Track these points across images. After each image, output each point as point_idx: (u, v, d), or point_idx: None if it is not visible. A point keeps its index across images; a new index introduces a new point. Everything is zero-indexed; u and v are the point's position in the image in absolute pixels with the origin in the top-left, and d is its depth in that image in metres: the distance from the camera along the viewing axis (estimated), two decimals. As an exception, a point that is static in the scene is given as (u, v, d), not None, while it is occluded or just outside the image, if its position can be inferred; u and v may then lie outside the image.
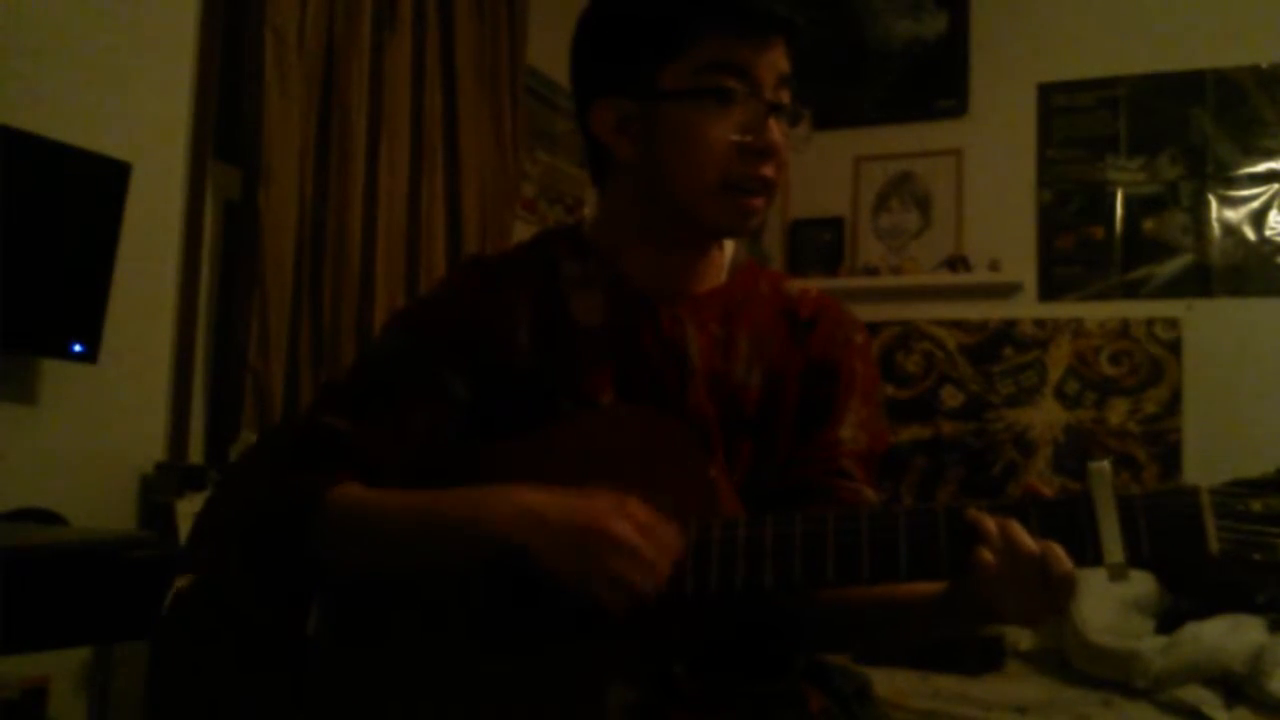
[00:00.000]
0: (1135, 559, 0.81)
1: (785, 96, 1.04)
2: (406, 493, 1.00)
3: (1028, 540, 0.83)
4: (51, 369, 2.05)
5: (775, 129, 1.02)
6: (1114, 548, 0.82)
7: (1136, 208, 3.51)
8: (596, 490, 0.91)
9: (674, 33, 1.01)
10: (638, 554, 0.86)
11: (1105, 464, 0.84)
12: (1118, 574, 0.82)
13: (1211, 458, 3.30)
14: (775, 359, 1.10)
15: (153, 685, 1.09)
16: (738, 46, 1.01)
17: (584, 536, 0.88)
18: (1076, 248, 3.57)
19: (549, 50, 3.29)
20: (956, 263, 3.66)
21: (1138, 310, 3.47)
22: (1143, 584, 2.87)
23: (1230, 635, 2.54)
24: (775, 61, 1.03)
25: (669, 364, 1.06)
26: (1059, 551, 0.83)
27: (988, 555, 0.84)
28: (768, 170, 1.03)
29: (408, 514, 0.99)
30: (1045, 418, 3.53)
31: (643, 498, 0.90)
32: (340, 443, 1.04)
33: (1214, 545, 0.80)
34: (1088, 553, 0.83)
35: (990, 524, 0.85)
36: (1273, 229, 3.36)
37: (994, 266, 3.60)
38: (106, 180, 2.03)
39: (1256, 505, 0.80)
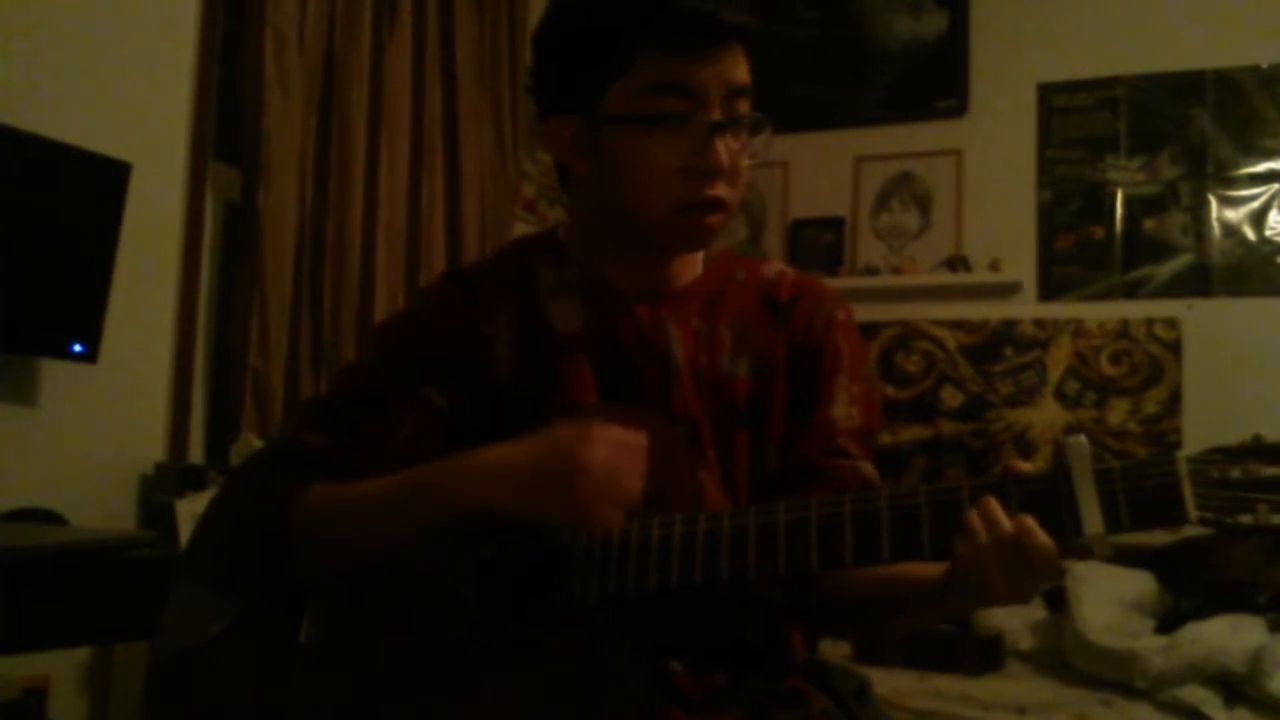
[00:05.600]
0: (1114, 529, 0.82)
1: (741, 107, 1.02)
2: (376, 479, 1.00)
3: (1004, 521, 0.83)
4: (51, 369, 2.05)
5: (721, 148, 1.00)
6: (1093, 519, 0.82)
7: (1136, 208, 3.51)
8: (558, 425, 0.91)
9: (617, 50, 0.99)
10: (606, 475, 0.87)
11: (1082, 437, 0.84)
12: (1099, 545, 0.82)
13: (1211, 458, 3.29)
14: (760, 346, 1.09)
15: (150, 698, 1.08)
16: (681, 62, 0.98)
17: (550, 472, 0.89)
18: (1076, 248, 3.57)
19: (549, 50, 3.28)
20: (956, 263, 3.66)
21: (1138, 310, 3.47)
22: (1143, 584, 2.86)
23: (1230, 635, 2.54)
24: (724, 73, 1.00)
25: (652, 364, 1.06)
26: (1031, 524, 0.83)
27: (964, 548, 0.84)
28: (717, 190, 1.01)
29: (378, 492, 0.98)
30: (1045, 418, 3.53)
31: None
32: (318, 458, 1.04)
33: (1192, 513, 0.80)
34: (1067, 525, 0.83)
35: (973, 517, 0.85)
36: (1273, 229, 3.36)
37: (994, 266, 3.60)
38: (106, 180, 2.03)
39: (1236, 472, 0.81)
